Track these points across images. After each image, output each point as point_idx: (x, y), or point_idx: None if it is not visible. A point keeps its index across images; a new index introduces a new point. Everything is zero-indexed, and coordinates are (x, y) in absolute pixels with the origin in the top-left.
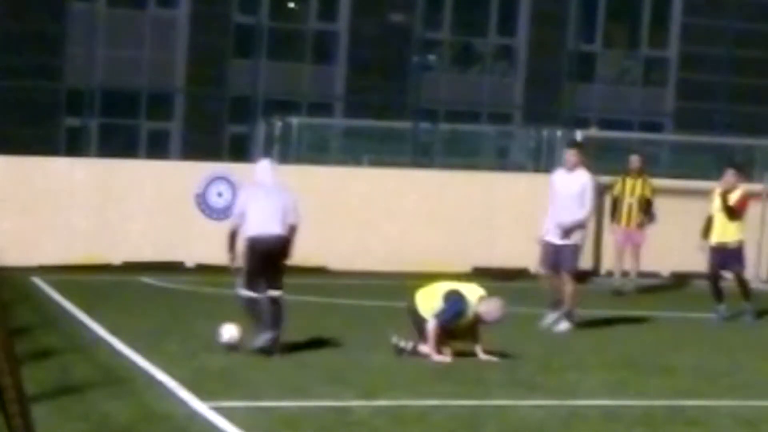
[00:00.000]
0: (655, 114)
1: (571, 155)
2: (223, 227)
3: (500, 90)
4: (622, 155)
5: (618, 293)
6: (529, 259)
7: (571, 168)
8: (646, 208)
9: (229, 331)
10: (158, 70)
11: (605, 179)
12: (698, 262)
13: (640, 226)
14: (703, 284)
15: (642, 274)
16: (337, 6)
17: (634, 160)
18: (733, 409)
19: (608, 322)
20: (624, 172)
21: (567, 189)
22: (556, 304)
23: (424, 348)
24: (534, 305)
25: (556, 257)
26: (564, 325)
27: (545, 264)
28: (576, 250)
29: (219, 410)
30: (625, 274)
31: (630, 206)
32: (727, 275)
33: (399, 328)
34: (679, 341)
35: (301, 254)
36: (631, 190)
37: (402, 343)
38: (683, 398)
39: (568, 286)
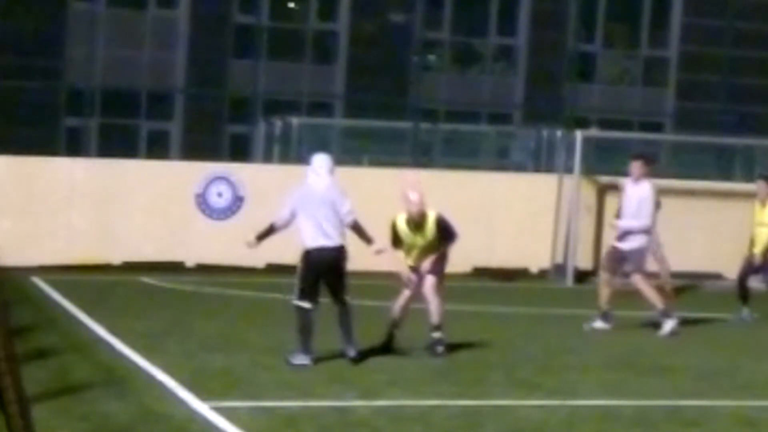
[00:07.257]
0: (655, 114)
1: None
2: (223, 227)
3: (500, 90)
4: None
5: None
6: (529, 259)
7: None
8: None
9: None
10: (158, 70)
11: (605, 179)
12: (698, 262)
13: None
14: (706, 284)
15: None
16: (337, 6)
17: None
18: (733, 409)
19: None
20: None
21: None
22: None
23: None
24: (534, 305)
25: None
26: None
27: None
28: None
29: (219, 410)
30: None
31: None
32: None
33: (399, 327)
34: (679, 341)
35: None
36: None
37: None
38: (683, 398)
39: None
